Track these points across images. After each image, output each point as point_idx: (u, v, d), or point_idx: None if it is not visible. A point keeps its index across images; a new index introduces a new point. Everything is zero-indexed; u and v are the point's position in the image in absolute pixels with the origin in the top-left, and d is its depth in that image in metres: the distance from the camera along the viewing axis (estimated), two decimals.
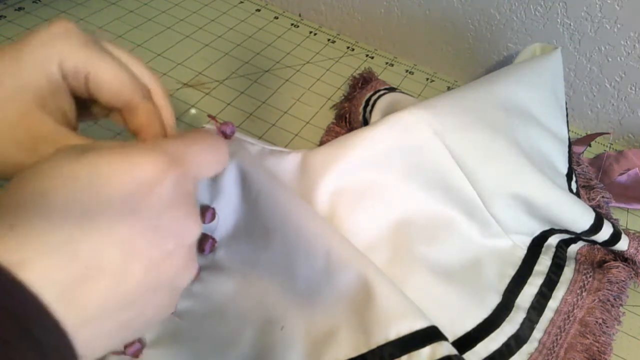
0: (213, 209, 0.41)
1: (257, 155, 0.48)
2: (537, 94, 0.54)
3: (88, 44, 0.22)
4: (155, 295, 0.18)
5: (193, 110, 0.61)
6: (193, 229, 0.19)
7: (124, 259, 0.16)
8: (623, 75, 0.61)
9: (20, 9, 0.71)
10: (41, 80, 0.21)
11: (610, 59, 0.60)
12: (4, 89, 0.20)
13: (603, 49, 0.60)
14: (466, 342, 0.41)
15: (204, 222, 0.40)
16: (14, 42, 0.22)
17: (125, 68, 0.23)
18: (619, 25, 0.57)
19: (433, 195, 0.48)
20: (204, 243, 0.41)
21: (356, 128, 0.59)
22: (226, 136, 0.42)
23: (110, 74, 0.22)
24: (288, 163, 0.48)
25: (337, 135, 0.60)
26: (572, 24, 0.60)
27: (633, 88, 0.61)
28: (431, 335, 0.36)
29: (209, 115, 0.38)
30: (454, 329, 0.41)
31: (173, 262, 0.18)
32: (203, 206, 0.41)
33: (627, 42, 0.58)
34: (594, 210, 0.48)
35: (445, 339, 0.37)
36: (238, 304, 0.40)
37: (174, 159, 0.18)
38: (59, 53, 0.21)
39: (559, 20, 0.60)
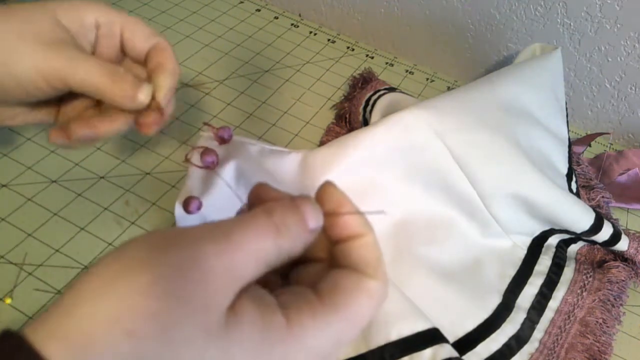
0: (199, 199, 0.41)
1: (257, 155, 0.48)
2: (537, 94, 0.54)
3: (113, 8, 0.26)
4: None
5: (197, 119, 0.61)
6: None
7: None
8: (623, 75, 0.61)
9: None
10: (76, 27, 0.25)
11: (610, 59, 0.60)
12: (44, 26, 0.23)
13: (603, 49, 0.60)
14: (467, 342, 0.41)
15: (189, 211, 0.40)
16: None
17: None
18: (619, 25, 0.57)
19: (433, 195, 0.48)
20: (190, 203, 0.40)
21: (356, 128, 0.59)
22: (224, 141, 0.42)
23: (141, 24, 0.27)
24: (288, 163, 0.48)
25: (337, 135, 0.60)
26: (572, 24, 0.60)
27: (633, 88, 0.61)
28: (432, 337, 0.36)
29: (205, 123, 0.39)
30: (455, 329, 0.42)
31: None
32: (189, 197, 0.41)
33: (627, 42, 0.58)
34: (594, 210, 0.48)
35: (446, 341, 0.37)
36: None
37: (220, 240, 0.18)
38: (95, 11, 0.25)
39: (559, 20, 0.60)
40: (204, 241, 0.17)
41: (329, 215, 0.20)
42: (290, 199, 0.20)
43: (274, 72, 0.68)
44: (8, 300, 0.42)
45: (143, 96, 0.25)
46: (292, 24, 0.77)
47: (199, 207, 0.41)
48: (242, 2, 0.80)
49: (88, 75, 0.23)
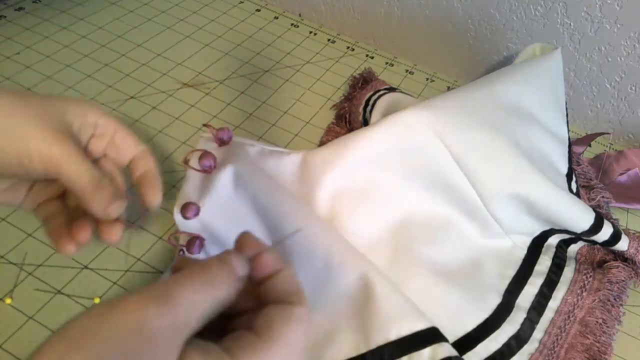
0: (196, 205, 0.41)
1: (257, 156, 0.48)
2: (537, 94, 0.54)
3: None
4: None
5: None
6: None
7: None
8: (623, 75, 0.61)
9: (20, 9, 0.71)
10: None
11: (610, 59, 0.60)
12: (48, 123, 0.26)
13: (603, 49, 0.60)
14: (467, 342, 0.41)
15: (187, 217, 0.40)
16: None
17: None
18: (619, 25, 0.57)
19: (433, 195, 0.48)
20: (192, 245, 0.41)
21: (356, 128, 0.59)
22: (223, 142, 0.42)
23: (130, 132, 0.30)
24: (288, 163, 0.48)
25: (337, 135, 0.60)
26: (572, 24, 0.60)
27: (633, 88, 0.61)
28: (432, 336, 0.36)
29: (205, 124, 0.39)
30: (455, 329, 0.41)
31: None
32: (187, 203, 0.41)
33: (627, 42, 0.58)
34: (594, 210, 0.48)
35: (446, 340, 0.37)
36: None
37: (161, 300, 0.19)
38: (97, 113, 0.28)
39: (559, 20, 0.60)
40: (147, 305, 0.19)
41: (252, 260, 0.24)
42: (218, 256, 0.23)
43: (274, 72, 0.68)
44: (8, 300, 0.42)
45: (113, 212, 0.28)
46: (292, 24, 0.77)
47: (197, 213, 0.41)
48: (242, 2, 0.80)
49: (78, 175, 0.26)
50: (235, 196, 0.42)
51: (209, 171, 0.41)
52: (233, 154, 0.44)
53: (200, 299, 0.21)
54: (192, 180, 0.43)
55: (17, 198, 0.30)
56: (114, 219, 0.29)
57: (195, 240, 0.41)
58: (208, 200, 0.41)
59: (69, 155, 0.26)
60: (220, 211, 0.41)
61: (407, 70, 0.73)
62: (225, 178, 0.42)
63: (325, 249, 0.39)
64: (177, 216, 0.41)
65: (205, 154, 0.40)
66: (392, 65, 0.73)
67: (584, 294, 0.46)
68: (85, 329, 0.18)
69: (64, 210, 0.31)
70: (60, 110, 0.27)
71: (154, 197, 0.30)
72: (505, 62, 0.67)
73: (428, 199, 0.48)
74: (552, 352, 0.42)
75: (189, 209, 0.40)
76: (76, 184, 0.26)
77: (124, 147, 0.30)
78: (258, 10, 0.79)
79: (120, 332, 0.18)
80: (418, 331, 0.36)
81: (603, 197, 0.56)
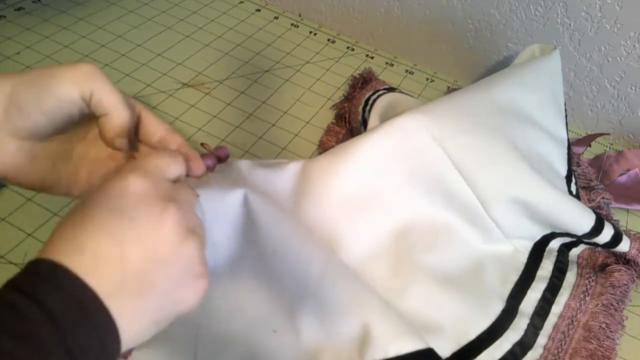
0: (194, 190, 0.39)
1: (256, 168, 0.46)
2: (535, 96, 0.54)
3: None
4: (162, 269, 0.23)
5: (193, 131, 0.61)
6: (168, 207, 0.24)
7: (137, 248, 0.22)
8: (623, 75, 0.61)
9: (20, 9, 0.71)
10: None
11: (610, 59, 0.60)
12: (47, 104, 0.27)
13: (603, 49, 0.60)
14: (471, 350, 0.41)
15: (222, 161, 0.39)
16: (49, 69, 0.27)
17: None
18: (619, 25, 0.57)
19: (433, 201, 0.47)
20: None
21: (355, 128, 0.59)
22: (220, 160, 0.41)
23: (152, 113, 0.32)
24: (288, 173, 0.47)
25: (337, 135, 0.59)
26: (572, 24, 0.60)
27: (633, 88, 0.61)
28: (429, 357, 0.36)
29: (202, 144, 0.39)
30: (458, 337, 0.41)
31: (165, 238, 0.23)
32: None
33: (627, 42, 0.58)
34: (595, 212, 0.48)
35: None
36: (231, 306, 0.39)
37: (134, 167, 0.24)
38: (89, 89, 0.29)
39: (559, 20, 0.60)
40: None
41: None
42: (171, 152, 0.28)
43: (274, 72, 0.68)
44: None
45: (121, 143, 0.30)
46: (292, 24, 0.77)
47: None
48: (242, 2, 0.80)
49: (111, 93, 0.28)
50: (236, 217, 0.41)
51: (224, 159, 0.41)
52: (230, 172, 0.43)
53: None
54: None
55: (63, 180, 0.31)
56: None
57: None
58: (211, 194, 0.40)
59: (97, 73, 0.28)
60: (218, 215, 0.40)
61: (407, 70, 0.73)
62: (234, 194, 0.40)
63: (319, 273, 0.39)
64: None
65: (207, 154, 0.39)
66: (392, 65, 0.73)
67: (587, 298, 0.46)
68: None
69: None
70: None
71: (197, 165, 0.31)
72: (505, 62, 0.67)
73: (428, 205, 0.47)
74: (557, 357, 0.42)
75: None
76: (105, 98, 0.28)
77: (150, 126, 0.32)
78: (258, 10, 0.79)
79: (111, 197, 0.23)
80: (418, 350, 0.36)
81: (603, 198, 0.55)
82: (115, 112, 0.28)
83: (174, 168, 0.27)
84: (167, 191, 0.25)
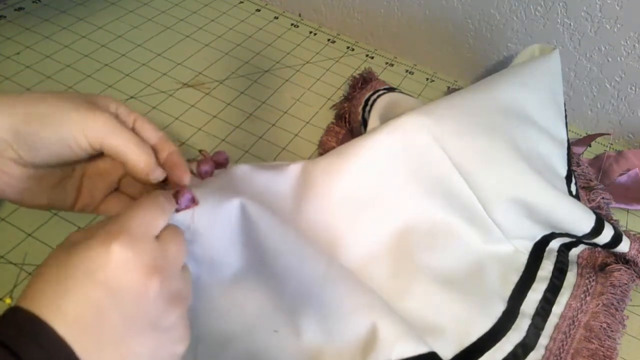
0: (190, 192, 0.33)
1: (256, 171, 0.45)
2: (535, 96, 0.54)
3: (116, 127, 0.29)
4: (141, 338, 0.24)
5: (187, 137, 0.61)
6: (151, 281, 0.24)
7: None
8: (623, 75, 0.61)
9: (20, 9, 0.71)
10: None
11: (610, 59, 0.60)
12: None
13: (603, 49, 0.60)
14: (473, 352, 0.41)
15: (178, 204, 0.32)
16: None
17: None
18: (619, 25, 0.57)
19: (434, 202, 0.47)
20: (179, 195, 0.32)
21: (355, 128, 0.59)
22: (219, 164, 0.41)
23: (148, 120, 0.32)
24: (288, 175, 0.46)
25: (337, 135, 0.59)
26: (572, 24, 0.60)
27: (633, 88, 0.61)
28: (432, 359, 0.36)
29: (200, 151, 0.38)
30: (460, 339, 0.41)
31: (146, 310, 0.24)
32: (178, 189, 0.34)
33: (627, 42, 0.58)
34: (594, 212, 0.48)
35: None
36: (232, 305, 0.39)
37: (118, 232, 0.24)
38: (117, 104, 0.30)
39: (559, 20, 0.60)
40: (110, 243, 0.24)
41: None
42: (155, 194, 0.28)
43: (274, 72, 0.68)
44: (8, 300, 0.42)
45: (159, 173, 0.30)
46: (292, 24, 0.77)
47: (193, 201, 0.33)
48: (242, 2, 0.80)
49: (124, 141, 0.28)
50: (237, 220, 0.39)
51: (224, 164, 0.40)
52: (229, 177, 0.42)
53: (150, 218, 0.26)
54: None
55: (68, 197, 0.31)
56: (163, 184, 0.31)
57: (184, 192, 0.33)
58: (210, 201, 0.39)
59: (109, 124, 0.28)
60: (215, 221, 0.38)
61: (407, 70, 0.73)
62: (230, 205, 0.39)
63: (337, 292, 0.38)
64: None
65: (205, 160, 0.39)
66: (392, 65, 0.73)
67: (587, 298, 0.46)
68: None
69: (127, 197, 0.33)
70: (90, 98, 0.29)
71: (182, 174, 0.31)
72: (505, 62, 0.67)
73: (429, 205, 0.47)
74: (558, 358, 0.42)
75: (182, 195, 0.35)
76: (120, 148, 0.28)
77: (144, 133, 0.31)
78: (258, 10, 0.79)
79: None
80: (421, 354, 0.35)
81: (603, 198, 0.55)
82: (135, 158, 0.29)
83: (161, 221, 0.26)
84: (152, 258, 0.24)
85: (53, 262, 0.23)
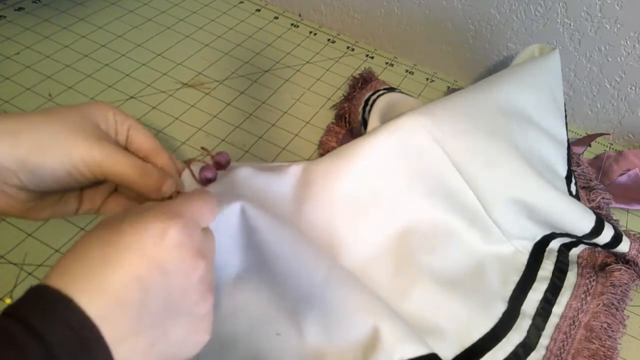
0: (227, 154, 0.41)
1: (256, 172, 0.45)
2: (535, 96, 0.54)
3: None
4: (177, 323, 0.24)
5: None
6: (199, 265, 0.24)
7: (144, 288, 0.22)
8: (623, 75, 0.61)
9: (20, 9, 0.71)
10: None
11: (610, 59, 0.60)
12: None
13: (603, 49, 0.60)
14: (473, 352, 0.41)
15: (206, 175, 0.39)
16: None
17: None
18: (619, 25, 0.57)
19: (434, 202, 0.47)
20: (220, 157, 0.40)
21: (355, 128, 0.59)
22: (221, 166, 0.41)
23: (142, 126, 0.32)
24: (289, 176, 0.46)
25: (337, 135, 0.59)
26: (572, 24, 0.60)
27: (633, 88, 0.61)
28: None
29: (202, 147, 0.38)
30: (461, 339, 0.41)
31: (188, 294, 0.24)
32: (205, 166, 0.39)
33: (627, 42, 0.58)
34: (595, 212, 0.48)
35: None
36: (234, 307, 0.39)
37: (175, 214, 0.24)
38: (114, 111, 0.30)
39: (559, 20, 0.60)
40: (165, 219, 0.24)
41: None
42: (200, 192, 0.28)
43: (274, 72, 0.68)
44: (8, 300, 0.42)
45: (166, 189, 0.31)
46: (292, 24, 0.77)
47: (228, 162, 0.40)
48: (242, 2, 0.80)
49: (124, 169, 0.28)
50: (234, 225, 0.39)
51: (224, 166, 0.40)
52: (230, 177, 0.42)
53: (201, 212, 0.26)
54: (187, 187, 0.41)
55: (70, 208, 0.32)
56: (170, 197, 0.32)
57: (211, 167, 0.40)
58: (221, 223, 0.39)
59: (109, 155, 0.28)
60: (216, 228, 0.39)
61: (407, 70, 0.73)
62: (231, 209, 0.40)
63: (324, 280, 0.38)
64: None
65: (207, 166, 0.39)
66: (392, 65, 0.73)
67: (588, 298, 0.46)
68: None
69: (126, 199, 0.34)
70: (87, 116, 0.29)
71: (167, 186, 0.32)
72: (505, 62, 0.67)
73: (429, 206, 0.47)
74: (559, 358, 0.42)
75: (222, 155, 0.41)
76: (124, 178, 0.29)
77: (138, 141, 0.32)
78: (258, 10, 0.79)
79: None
80: (422, 355, 0.35)
81: (603, 198, 0.55)
82: (140, 182, 0.29)
83: (209, 217, 0.27)
84: (200, 245, 0.25)
85: (95, 239, 0.22)
